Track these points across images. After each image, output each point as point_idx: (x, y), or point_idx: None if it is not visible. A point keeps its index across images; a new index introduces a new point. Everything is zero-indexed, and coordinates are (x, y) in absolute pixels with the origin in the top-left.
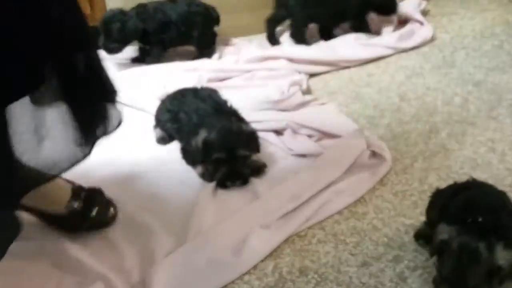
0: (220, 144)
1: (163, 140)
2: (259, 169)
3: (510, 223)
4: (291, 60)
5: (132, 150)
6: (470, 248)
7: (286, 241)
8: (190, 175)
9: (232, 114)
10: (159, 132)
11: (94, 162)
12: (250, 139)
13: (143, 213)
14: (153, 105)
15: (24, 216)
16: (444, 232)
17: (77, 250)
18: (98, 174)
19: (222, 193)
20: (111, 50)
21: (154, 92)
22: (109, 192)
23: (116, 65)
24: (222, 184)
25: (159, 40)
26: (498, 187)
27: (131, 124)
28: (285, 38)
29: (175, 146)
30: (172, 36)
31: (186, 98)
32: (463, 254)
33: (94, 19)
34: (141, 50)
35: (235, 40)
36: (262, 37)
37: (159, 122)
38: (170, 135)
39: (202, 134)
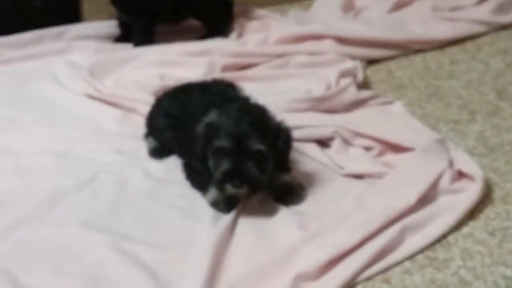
0: (226, 129)
1: (158, 153)
2: (293, 193)
3: None
4: (340, 39)
5: (115, 166)
6: None
7: None
8: (197, 203)
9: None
10: (152, 142)
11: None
12: (274, 135)
13: (126, 260)
14: (145, 104)
15: None
16: None
17: None
18: (69, 198)
19: (243, 231)
20: None
21: (147, 85)
22: (84, 224)
23: (93, 47)
24: (220, 186)
25: (141, 9)
26: None
27: (113, 129)
28: None
29: (174, 162)
30: (163, 5)
31: (191, 97)
32: None
33: None
34: (122, 25)
35: (260, 12)
36: (302, 7)
37: (153, 129)
38: (169, 147)
39: (210, 117)
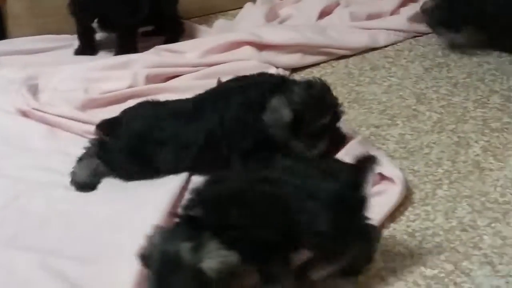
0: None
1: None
2: None
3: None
4: (259, 46)
5: (42, 182)
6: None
7: None
8: (122, 216)
9: None
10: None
11: None
12: None
13: (54, 277)
14: (71, 119)
15: None
16: None
17: None
18: None
19: None
20: None
21: (71, 99)
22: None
23: (20, 62)
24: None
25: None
26: None
27: (40, 145)
28: None
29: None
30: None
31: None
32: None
33: None
34: (84, 36)
35: (186, 23)
36: (226, 17)
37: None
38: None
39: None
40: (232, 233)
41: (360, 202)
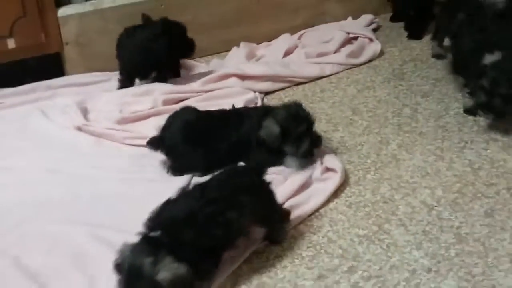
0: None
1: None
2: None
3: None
4: (245, 77)
5: (92, 177)
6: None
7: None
8: (156, 204)
9: None
10: None
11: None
12: None
13: (102, 244)
14: (111, 130)
15: None
16: None
17: None
18: (57, 202)
19: None
20: None
21: (110, 117)
22: (69, 219)
23: (73, 92)
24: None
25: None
26: (447, 193)
27: (88, 151)
28: None
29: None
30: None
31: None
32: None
33: (50, 47)
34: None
35: (190, 61)
36: (220, 57)
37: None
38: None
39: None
40: (182, 250)
41: (268, 185)
